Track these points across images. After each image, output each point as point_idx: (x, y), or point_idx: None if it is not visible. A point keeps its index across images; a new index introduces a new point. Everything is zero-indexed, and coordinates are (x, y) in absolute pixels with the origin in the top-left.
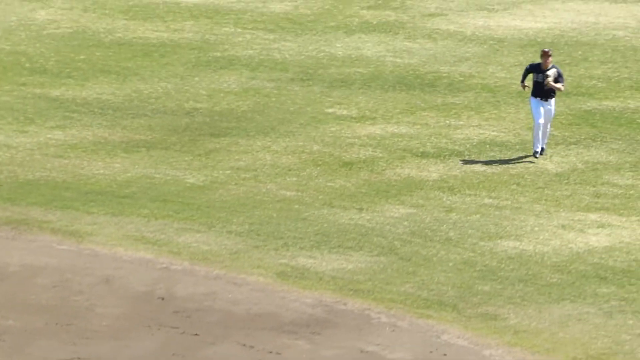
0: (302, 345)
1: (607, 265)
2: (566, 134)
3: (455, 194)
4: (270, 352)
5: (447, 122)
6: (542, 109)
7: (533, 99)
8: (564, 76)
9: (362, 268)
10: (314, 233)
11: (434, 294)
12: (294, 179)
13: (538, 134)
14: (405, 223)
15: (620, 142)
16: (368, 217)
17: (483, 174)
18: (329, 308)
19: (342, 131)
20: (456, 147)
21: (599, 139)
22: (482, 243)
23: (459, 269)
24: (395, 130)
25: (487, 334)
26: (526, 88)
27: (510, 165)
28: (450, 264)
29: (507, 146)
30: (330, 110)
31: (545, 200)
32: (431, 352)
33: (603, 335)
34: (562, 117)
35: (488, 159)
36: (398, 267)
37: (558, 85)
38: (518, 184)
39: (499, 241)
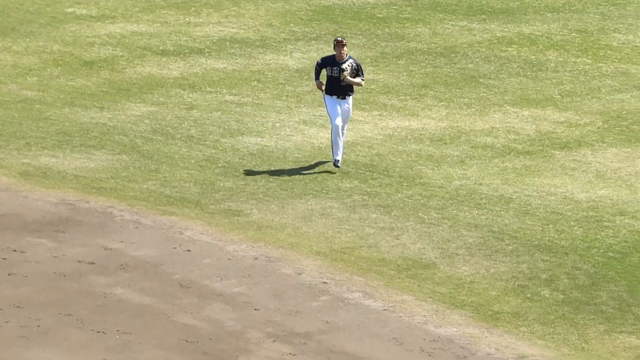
0: (46, 243)
1: (350, 160)
2: (306, 29)
3: (196, 91)
4: (15, 251)
5: (187, 19)
6: (339, 109)
7: (328, 97)
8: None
9: (105, 167)
10: (56, 132)
11: (176, 191)
12: (35, 79)
13: (337, 139)
14: (147, 121)
15: (360, 37)
16: (109, 116)
17: (224, 71)
18: (72, 206)
19: (82, 30)
20: (196, 45)
21: (339, 34)
22: (223, 140)
23: (201, 166)
24: (135, 28)
25: (230, 229)
26: (323, 86)
27: (251, 62)
28: (193, 161)
29: (247, 43)
30: (70, 10)
31: (287, 96)
32: (175, 248)
33: (347, 229)
34: (302, 12)
35: (228, 56)
36: (140, 165)
37: (357, 80)
38: (259, 81)
39: (240, 137)
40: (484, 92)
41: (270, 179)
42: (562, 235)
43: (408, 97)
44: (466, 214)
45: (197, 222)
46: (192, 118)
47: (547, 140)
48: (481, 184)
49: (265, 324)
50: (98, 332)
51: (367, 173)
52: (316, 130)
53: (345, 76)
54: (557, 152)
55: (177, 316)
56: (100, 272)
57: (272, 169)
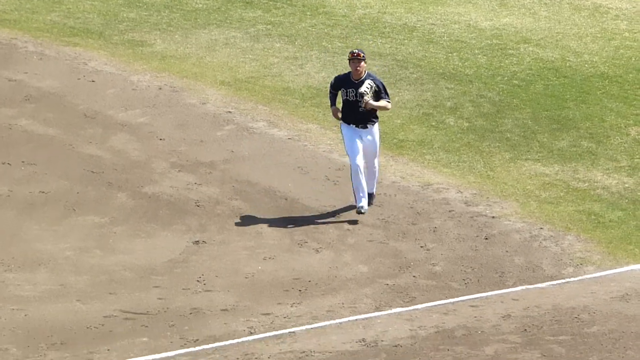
0: None
1: None
2: None
3: None
4: None
5: None
6: (359, 143)
7: (345, 127)
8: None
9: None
10: None
11: (80, 22)
12: None
13: (359, 182)
14: None
15: None
16: None
17: None
18: None
19: None
20: None
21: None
22: None
23: None
24: None
25: (134, 60)
26: (339, 113)
27: None
28: None
29: None
30: None
31: None
32: (79, 79)
33: (251, 59)
34: None
35: None
36: None
37: (381, 103)
38: None
39: None
40: None
41: (174, 10)
42: (466, 64)
43: None
44: (370, 42)
45: (101, 53)
46: None
47: None
48: (385, 13)
49: (170, 154)
50: (3, 164)
51: (271, 2)
52: None
53: (367, 101)
54: None
55: (82, 147)
56: (4, 103)
57: None
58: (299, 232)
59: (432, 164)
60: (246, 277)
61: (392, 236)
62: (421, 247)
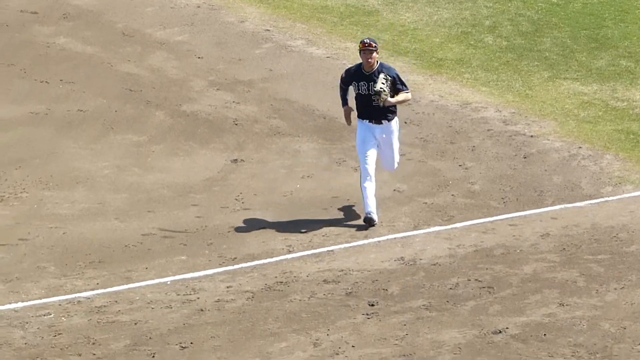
0: None
1: None
2: None
3: None
4: None
5: None
6: (373, 144)
7: (360, 124)
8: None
9: None
10: None
11: None
12: None
13: (367, 191)
14: None
15: None
16: None
17: None
18: None
19: None
20: None
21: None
22: None
23: None
24: None
25: None
26: (353, 114)
27: None
28: None
29: None
30: None
31: None
32: None
33: None
34: None
35: None
36: None
37: (401, 97)
38: None
39: None
40: None
41: None
42: None
43: None
44: None
45: None
46: None
47: None
48: None
49: (208, 72)
50: (41, 82)
51: None
52: None
53: (385, 99)
54: None
55: (120, 65)
56: (42, 21)
57: None
58: (337, 150)
59: (470, 82)
60: (284, 196)
61: (431, 155)
62: (460, 165)
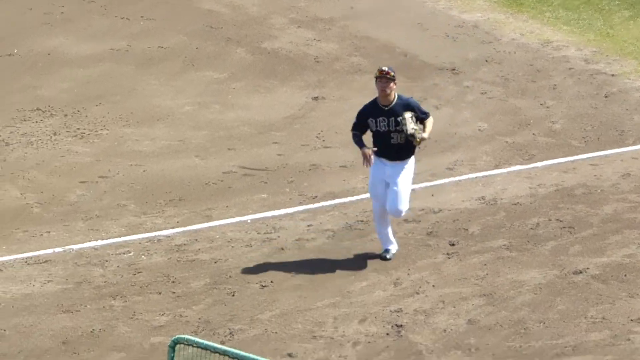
0: None
1: None
2: None
3: None
4: None
5: None
6: (383, 183)
7: (375, 162)
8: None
9: None
10: None
11: None
12: None
13: (380, 228)
14: None
15: None
16: None
17: None
18: None
19: None
20: None
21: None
22: None
23: None
24: None
25: None
26: (372, 156)
27: None
28: None
29: None
30: None
31: None
32: None
33: None
34: None
35: None
36: None
37: (430, 127)
38: None
39: None
40: None
41: None
42: None
43: None
44: None
45: None
46: None
47: None
48: None
49: (289, 10)
50: (122, 19)
51: None
52: None
53: (421, 138)
54: None
55: (201, 2)
56: None
57: None
58: (418, 88)
59: (551, 21)
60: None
61: (512, 93)
62: (540, 104)
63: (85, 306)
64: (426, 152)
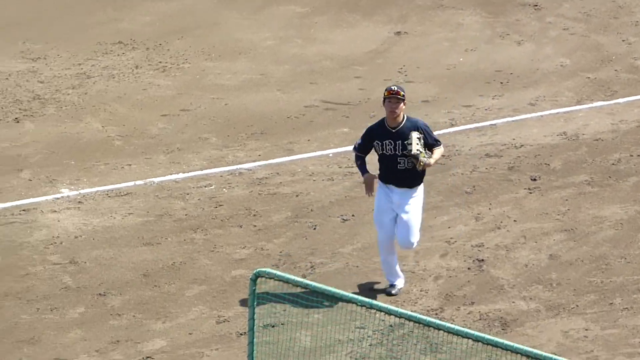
0: None
1: None
2: None
3: None
4: None
5: None
6: (390, 213)
7: (381, 187)
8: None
9: None
10: None
11: None
12: None
13: (385, 261)
14: None
15: None
16: None
17: None
18: None
19: None
20: None
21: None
22: None
23: None
24: None
25: None
26: (376, 183)
27: None
28: None
29: None
30: None
31: None
32: None
33: None
34: None
35: None
36: None
37: (438, 155)
38: None
39: None
40: None
41: None
42: None
43: None
44: None
45: None
46: None
47: None
48: None
49: None
50: None
51: None
52: None
53: (425, 162)
54: None
55: None
56: None
57: None
58: (500, 24)
59: None
60: (447, 69)
61: (594, 29)
62: (623, 40)
63: (166, 239)
64: (508, 88)
